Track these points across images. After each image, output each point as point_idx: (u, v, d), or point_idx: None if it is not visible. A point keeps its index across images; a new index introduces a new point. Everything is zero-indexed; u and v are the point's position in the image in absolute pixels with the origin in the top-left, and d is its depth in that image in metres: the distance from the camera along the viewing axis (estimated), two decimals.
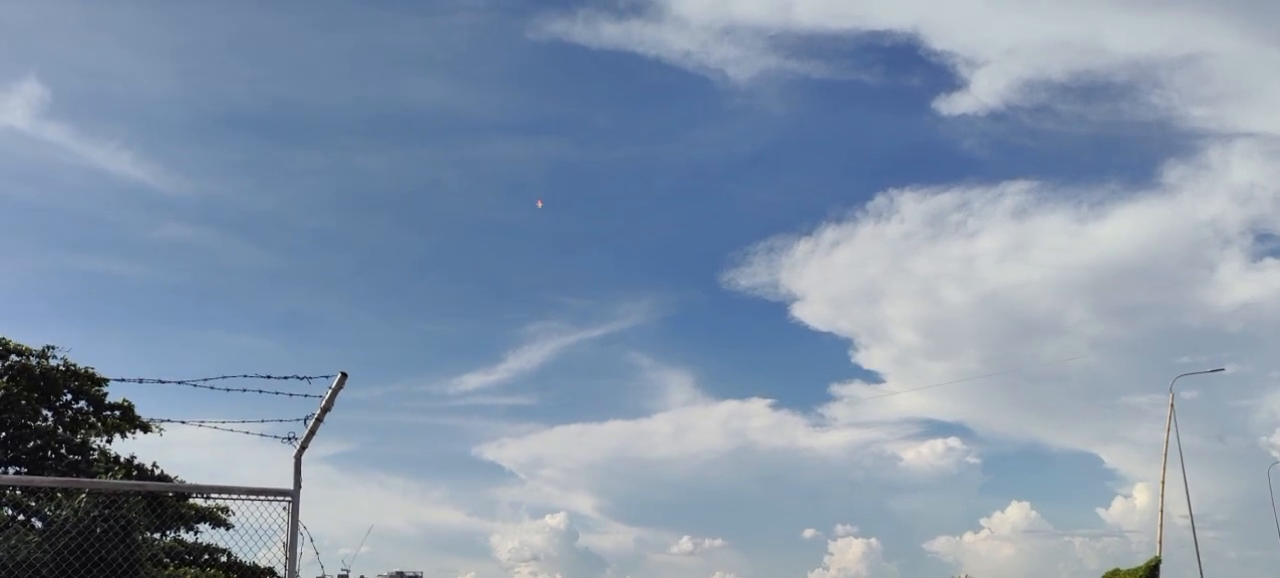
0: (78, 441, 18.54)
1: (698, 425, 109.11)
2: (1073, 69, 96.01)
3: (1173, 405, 42.14)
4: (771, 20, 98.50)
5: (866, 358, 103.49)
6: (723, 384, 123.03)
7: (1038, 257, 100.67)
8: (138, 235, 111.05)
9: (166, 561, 18.98)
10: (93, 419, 18.80)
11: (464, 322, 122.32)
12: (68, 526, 13.64)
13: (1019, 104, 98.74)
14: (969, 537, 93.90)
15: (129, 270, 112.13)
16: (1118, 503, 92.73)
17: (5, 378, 17.59)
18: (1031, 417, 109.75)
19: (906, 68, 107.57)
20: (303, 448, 8.41)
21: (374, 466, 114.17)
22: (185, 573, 18.96)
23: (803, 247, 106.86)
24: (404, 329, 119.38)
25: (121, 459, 19.03)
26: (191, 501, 18.27)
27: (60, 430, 18.31)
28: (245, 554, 16.68)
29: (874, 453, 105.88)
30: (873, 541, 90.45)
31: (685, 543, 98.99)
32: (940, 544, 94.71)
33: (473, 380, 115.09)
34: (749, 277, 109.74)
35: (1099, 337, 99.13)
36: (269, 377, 8.29)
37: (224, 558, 21.02)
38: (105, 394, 18.79)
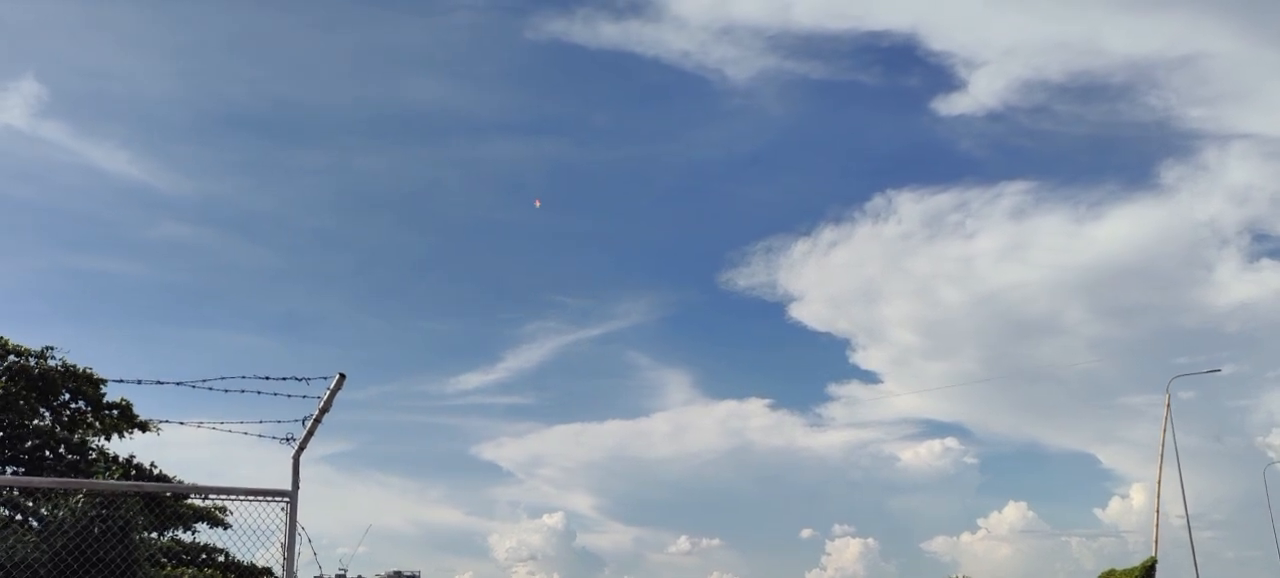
0: (76, 440, 18.57)
1: (696, 425, 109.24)
2: (1071, 70, 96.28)
3: (1169, 406, 42.26)
4: (770, 20, 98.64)
5: (864, 358, 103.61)
6: (721, 384, 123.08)
7: (1035, 257, 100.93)
8: (136, 235, 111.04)
9: (164, 560, 19.01)
10: (91, 419, 18.83)
11: (462, 321, 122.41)
12: (65, 526, 13.66)
13: (1017, 104, 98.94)
14: (966, 537, 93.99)
15: (127, 270, 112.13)
16: (1114, 503, 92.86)
17: (4, 378, 17.61)
18: (1029, 417, 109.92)
19: (905, 68, 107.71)
20: (301, 449, 8.44)
21: (372, 465, 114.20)
22: (183, 573, 18.99)
23: (801, 247, 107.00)
24: (402, 329, 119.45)
25: (120, 459, 19.06)
26: (189, 500, 18.31)
27: (58, 430, 18.34)
28: (243, 554, 16.72)
29: (872, 453, 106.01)
30: (870, 541, 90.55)
31: (683, 543, 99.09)
32: (938, 544, 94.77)
33: (471, 380, 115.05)
34: (747, 277, 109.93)
35: (1096, 337, 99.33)
36: (268, 378, 8.33)
37: (221, 558, 21.06)
38: (103, 394, 18.82)
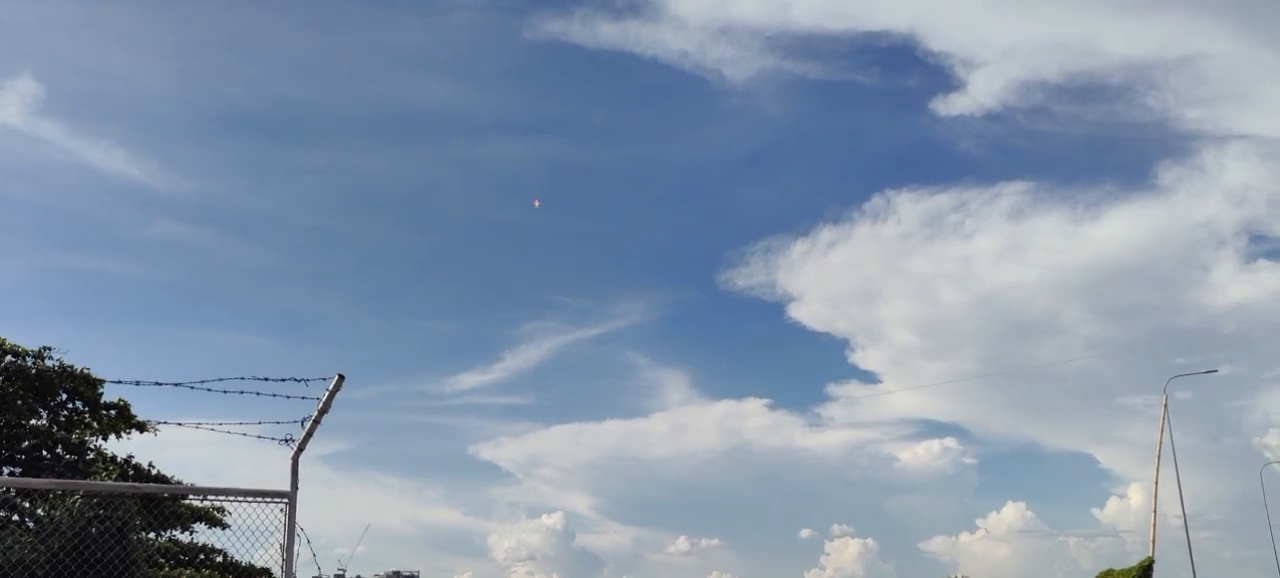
0: (74, 440, 18.54)
1: (694, 425, 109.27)
2: (1069, 70, 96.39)
3: (1166, 406, 42.34)
4: (769, 21, 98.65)
5: (863, 358, 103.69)
6: (719, 384, 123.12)
7: (1034, 257, 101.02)
8: (133, 234, 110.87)
9: (162, 561, 18.98)
10: (88, 419, 18.80)
11: (461, 321, 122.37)
12: (62, 526, 13.62)
13: (1015, 105, 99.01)
14: (965, 537, 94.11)
15: (124, 269, 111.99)
16: (1113, 503, 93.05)
17: (1, 378, 17.58)
18: (1027, 417, 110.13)
19: (903, 68, 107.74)
20: (300, 450, 8.41)
21: (371, 465, 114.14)
22: (181, 574, 18.95)
23: (799, 247, 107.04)
24: (401, 329, 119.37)
25: (118, 459, 19.02)
26: (187, 500, 18.28)
27: (56, 430, 18.30)
28: (241, 555, 16.69)
29: (870, 453, 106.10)
30: (869, 541, 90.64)
31: (682, 543, 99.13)
32: (936, 544, 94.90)
33: (470, 380, 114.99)
34: (746, 277, 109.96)
35: (1094, 337, 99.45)
36: (267, 379, 8.30)
37: (220, 558, 21.03)
38: (101, 395, 18.79)
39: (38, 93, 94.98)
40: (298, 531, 8.30)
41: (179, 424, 9.20)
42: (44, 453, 18.12)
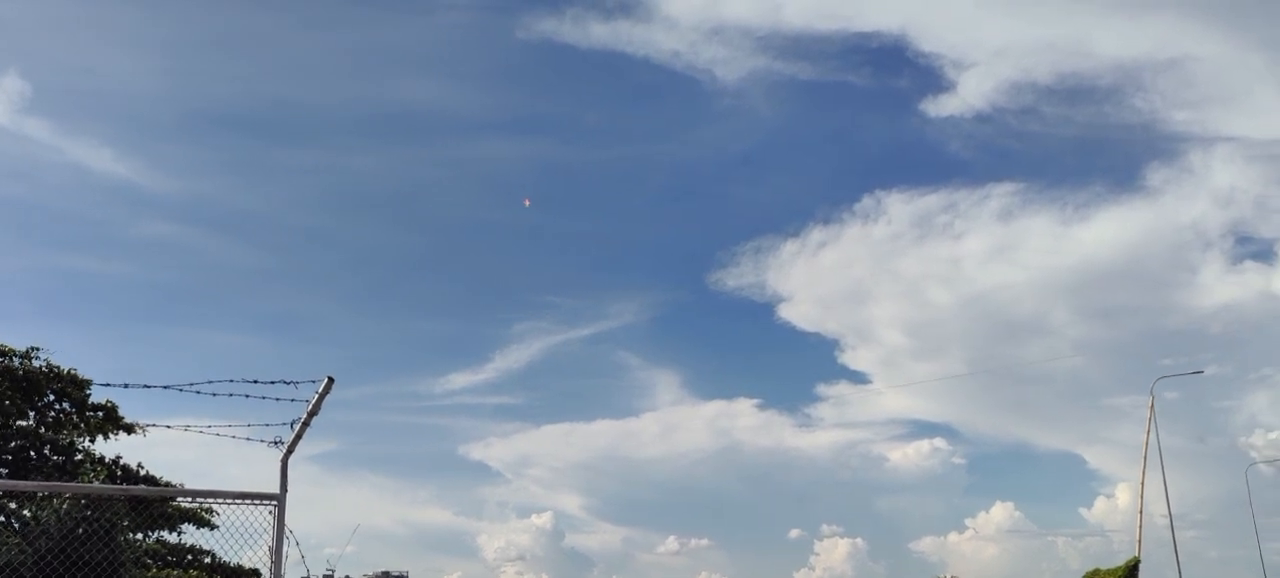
0: (62, 442, 18.46)
1: (685, 425, 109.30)
2: (1059, 71, 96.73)
3: (1153, 407, 42.58)
4: (760, 21, 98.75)
5: (853, 359, 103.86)
6: (710, 384, 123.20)
7: (1023, 258, 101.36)
8: (121, 233, 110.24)
9: (150, 562, 18.93)
10: (76, 421, 18.73)
11: (452, 321, 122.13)
12: (49, 527, 13.58)
13: (1005, 106, 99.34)
14: (954, 537, 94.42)
15: (113, 269, 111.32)
16: (1100, 503, 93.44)
17: None
18: (1016, 418, 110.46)
19: (894, 69, 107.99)
20: (289, 452, 8.42)
21: (360, 465, 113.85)
22: (169, 575, 18.90)
23: (790, 247, 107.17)
24: (391, 328, 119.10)
25: (106, 460, 18.96)
26: (176, 501, 18.23)
27: (44, 431, 18.23)
28: (230, 556, 16.67)
29: (860, 453, 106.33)
30: (858, 541, 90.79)
31: (671, 543, 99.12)
32: (925, 544, 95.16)
33: (460, 380, 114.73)
34: (736, 277, 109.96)
35: (1082, 338, 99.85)
36: (255, 382, 8.31)
37: (208, 560, 20.98)
38: (88, 396, 18.72)
39: (24, 91, 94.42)
40: (287, 533, 8.31)
41: (167, 427, 9.21)
42: (32, 454, 18.04)
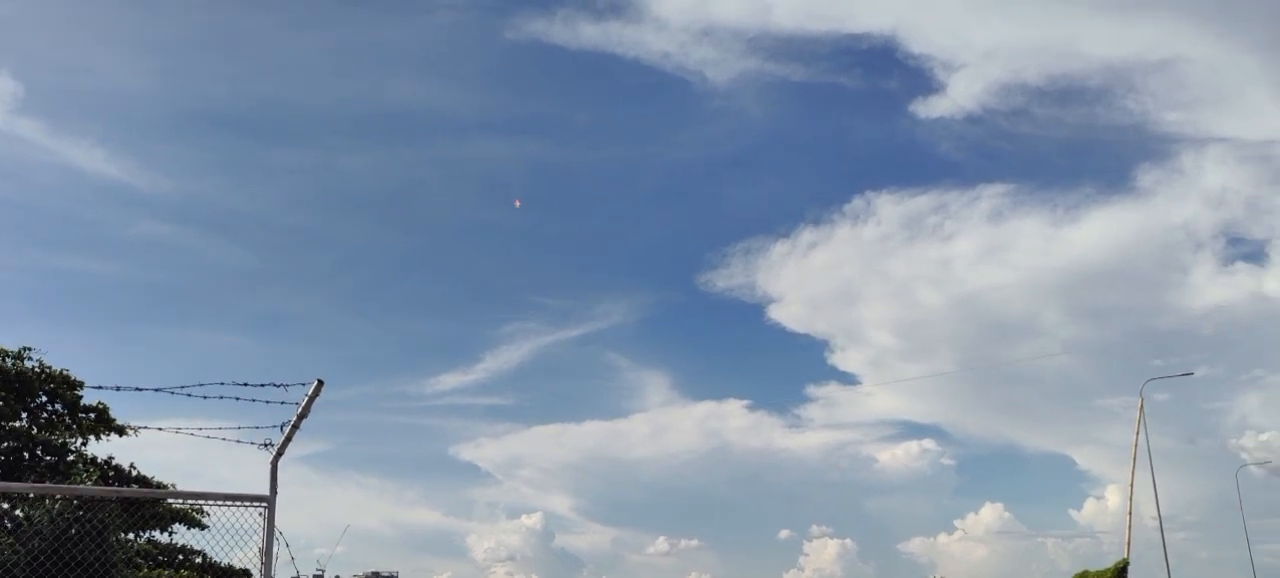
0: (55, 443, 18.53)
1: (674, 426, 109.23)
2: (1049, 73, 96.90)
3: (1142, 408, 42.82)
4: (750, 22, 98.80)
5: (843, 360, 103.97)
6: (699, 385, 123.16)
7: (1013, 259, 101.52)
8: (113, 234, 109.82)
9: (141, 562, 19.00)
10: (68, 421, 18.79)
11: (442, 321, 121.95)
12: (42, 527, 13.67)
13: (996, 107, 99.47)
14: (943, 538, 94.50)
15: (105, 269, 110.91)
16: (1090, 504, 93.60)
17: None
18: (1006, 419, 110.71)
19: (884, 70, 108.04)
20: (279, 454, 8.52)
21: (350, 465, 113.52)
22: (160, 575, 18.98)
23: (780, 248, 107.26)
24: (382, 329, 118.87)
25: (98, 461, 19.03)
26: (167, 501, 18.31)
27: (36, 432, 18.28)
28: (220, 556, 16.76)
29: (850, 454, 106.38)
30: (848, 541, 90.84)
31: (661, 543, 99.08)
32: (915, 545, 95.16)
33: (450, 380, 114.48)
34: (726, 278, 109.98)
35: (1073, 339, 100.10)
36: (246, 384, 8.42)
37: (199, 559, 21.06)
38: (81, 397, 18.78)
39: (16, 91, 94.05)
40: (276, 533, 8.42)
41: (159, 429, 9.31)
42: (24, 455, 18.11)
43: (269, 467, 8.50)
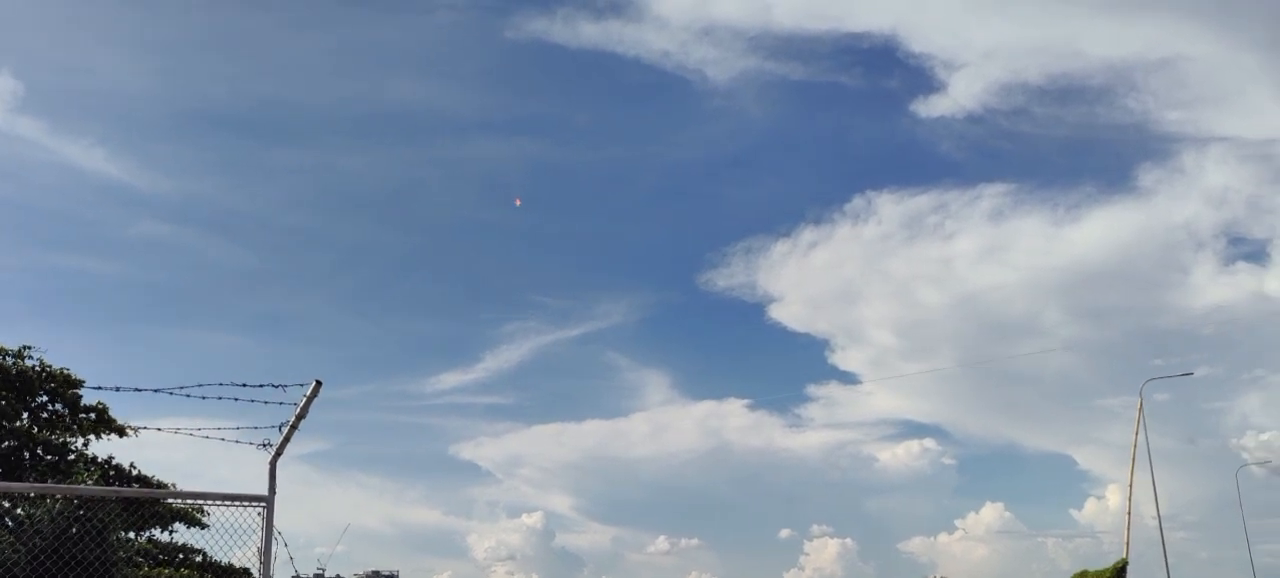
0: (56, 442, 18.56)
1: (675, 426, 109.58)
2: (1050, 72, 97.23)
3: (1141, 408, 42.82)
4: (750, 21, 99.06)
5: (843, 359, 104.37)
6: (700, 384, 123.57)
7: (1014, 259, 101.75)
8: (113, 234, 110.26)
9: (141, 561, 19.03)
10: (69, 421, 18.82)
11: (442, 321, 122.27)
12: (42, 526, 13.71)
13: (996, 107, 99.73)
14: (944, 537, 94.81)
15: (105, 269, 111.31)
16: (1090, 504, 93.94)
17: None
18: (1006, 418, 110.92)
19: (885, 70, 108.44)
20: (277, 455, 8.55)
21: (351, 465, 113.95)
22: (160, 573, 19.02)
23: (780, 248, 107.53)
24: (382, 328, 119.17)
25: (98, 460, 19.06)
26: (167, 500, 18.35)
27: (36, 431, 18.31)
28: (220, 555, 16.80)
29: (850, 454, 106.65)
30: (848, 541, 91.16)
31: (662, 543, 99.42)
32: (915, 545, 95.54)
33: (450, 379, 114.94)
34: (727, 277, 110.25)
35: (1073, 339, 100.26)
36: (244, 385, 8.46)
37: (199, 558, 21.09)
38: (81, 396, 18.81)
39: (16, 90, 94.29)
40: (276, 534, 8.45)
41: (159, 429, 9.34)
42: (25, 454, 18.14)
43: (268, 467, 8.54)
